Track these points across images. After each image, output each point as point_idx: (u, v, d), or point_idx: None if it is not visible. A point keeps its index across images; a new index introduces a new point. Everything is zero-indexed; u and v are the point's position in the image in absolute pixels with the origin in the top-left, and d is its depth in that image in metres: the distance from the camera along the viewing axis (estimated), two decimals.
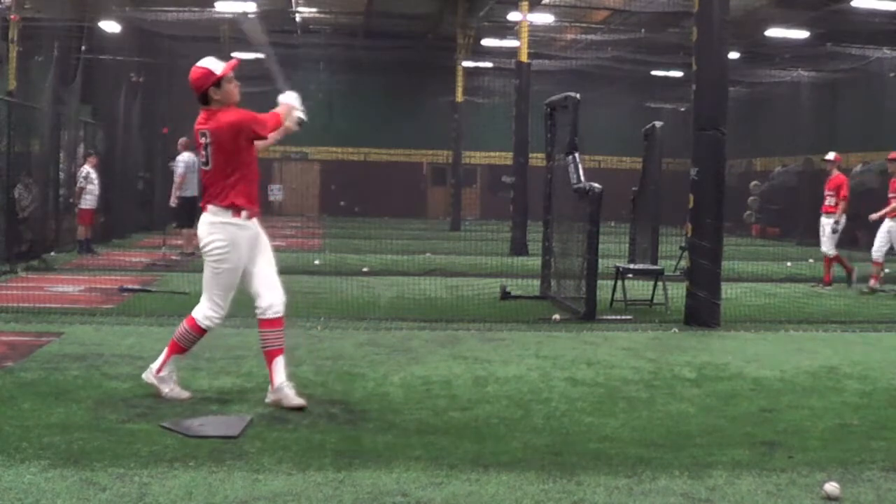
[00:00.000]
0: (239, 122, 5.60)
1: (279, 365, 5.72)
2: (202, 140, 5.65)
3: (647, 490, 4.35)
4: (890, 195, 13.31)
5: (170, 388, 5.81)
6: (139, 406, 5.58)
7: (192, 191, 15.94)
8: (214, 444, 4.84)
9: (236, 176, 5.62)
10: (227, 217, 5.62)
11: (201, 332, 5.82)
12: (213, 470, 4.42)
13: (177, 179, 15.99)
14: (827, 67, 25.93)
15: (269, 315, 5.74)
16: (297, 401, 5.66)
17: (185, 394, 5.85)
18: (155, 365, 5.87)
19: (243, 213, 5.64)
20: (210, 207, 5.68)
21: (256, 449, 4.78)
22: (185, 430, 5.05)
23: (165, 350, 5.88)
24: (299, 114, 5.91)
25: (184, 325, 5.84)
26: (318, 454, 4.73)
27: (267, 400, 5.74)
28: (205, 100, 5.64)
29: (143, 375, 5.92)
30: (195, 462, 4.52)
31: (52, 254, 15.44)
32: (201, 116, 5.70)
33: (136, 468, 4.40)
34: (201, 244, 5.75)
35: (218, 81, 5.61)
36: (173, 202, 16.08)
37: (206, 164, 5.67)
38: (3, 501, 3.93)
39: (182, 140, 16.31)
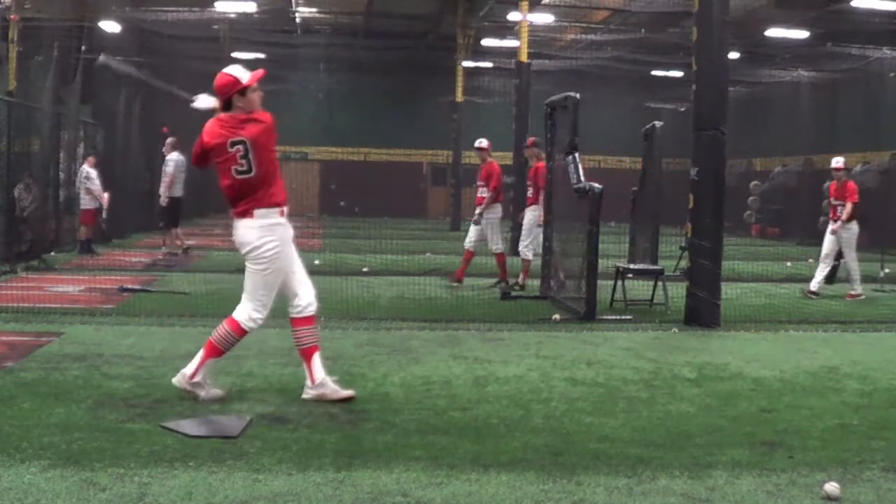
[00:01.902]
0: (272, 124, 5.77)
1: (317, 361, 5.86)
2: (236, 150, 5.63)
3: (647, 490, 4.35)
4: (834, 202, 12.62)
5: (206, 392, 5.75)
6: (139, 406, 5.58)
7: (180, 191, 16.14)
8: (214, 444, 4.84)
9: (276, 176, 5.82)
10: (276, 217, 5.78)
11: (243, 333, 5.83)
12: (213, 470, 4.42)
13: (167, 179, 16.10)
14: (827, 67, 25.95)
15: (306, 313, 5.87)
16: (344, 392, 5.83)
17: (221, 392, 5.83)
18: (188, 370, 5.76)
19: (284, 211, 5.85)
20: (256, 212, 5.72)
21: (256, 449, 4.78)
22: (185, 430, 5.05)
23: (200, 353, 5.78)
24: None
25: (224, 328, 5.78)
26: (318, 454, 4.73)
27: (306, 396, 5.84)
28: (227, 106, 5.72)
29: (175, 381, 5.77)
30: (195, 462, 4.52)
31: (52, 254, 15.43)
32: (225, 126, 5.68)
33: (136, 468, 4.40)
34: (251, 248, 5.72)
35: (243, 90, 5.70)
36: (164, 201, 16.18)
37: (249, 171, 5.66)
38: (3, 501, 3.93)
39: (171, 140, 16.46)
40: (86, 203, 16.53)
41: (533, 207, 12.60)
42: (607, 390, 6.49)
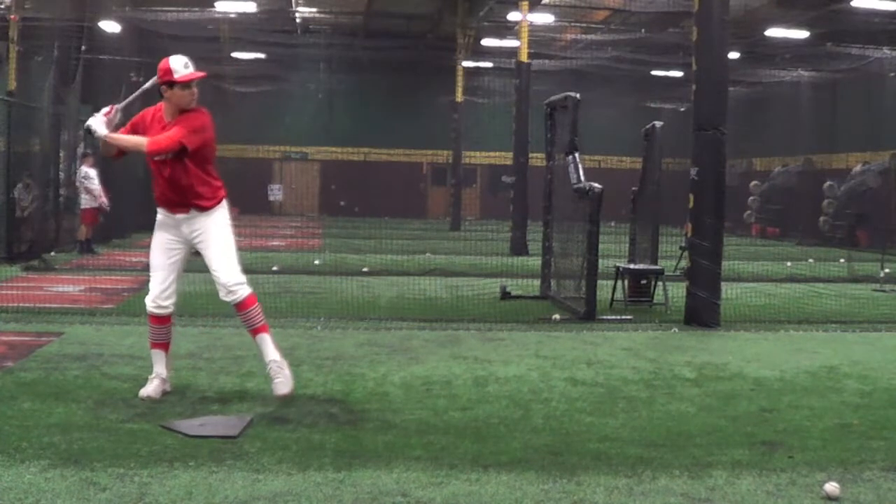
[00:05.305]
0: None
1: (260, 343, 5.88)
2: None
3: (647, 490, 4.35)
4: None
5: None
6: (139, 406, 5.58)
7: None
8: (214, 444, 4.84)
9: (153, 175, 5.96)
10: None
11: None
12: (213, 470, 4.42)
13: None
14: (827, 67, 25.93)
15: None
16: (280, 388, 5.80)
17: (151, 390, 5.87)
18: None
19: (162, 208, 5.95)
20: None
21: (256, 449, 4.78)
22: (185, 430, 5.05)
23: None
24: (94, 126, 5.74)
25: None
26: (318, 454, 4.72)
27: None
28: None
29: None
30: (195, 462, 4.52)
31: (52, 254, 15.43)
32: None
33: (136, 468, 4.40)
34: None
35: (171, 83, 5.69)
36: None
37: None
38: (3, 501, 3.93)
39: None
40: (85, 203, 16.54)
41: None
42: (607, 390, 6.49)
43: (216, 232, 5.84)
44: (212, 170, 5.87)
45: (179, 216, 5.81)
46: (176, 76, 5.68)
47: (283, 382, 5.80)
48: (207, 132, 5.79)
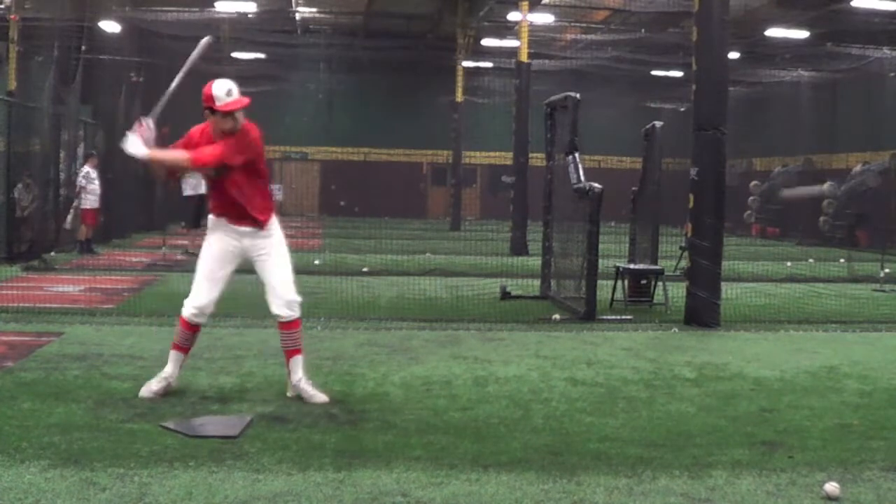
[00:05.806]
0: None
1: (294, 363, 5.88)
2: None
3: (647, 490, 4.35)
4: None
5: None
6: (139, 406, 5.58)
7: (200, 189, 15.99)
8: (214, 444, 4.84)
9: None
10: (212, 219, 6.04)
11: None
12: (213, 470, 4.42)
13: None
14: (827, 67, 25.94)
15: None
16: (319, 397, 5.83)
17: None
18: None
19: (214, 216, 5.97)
20: None
21: (256, 449, 4.78)
22: (185, 430, 5.05)
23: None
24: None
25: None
26: (318, 454, 4.73)
27: (288, 393, 5.93)
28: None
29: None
30: (195, 462, 4.52)
31: (52, 254, 15.43)
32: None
33: (136, 468, 4.40)
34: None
35: (212, 110, 5.58)
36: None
37: None
38: (3, 501, 3.93)
39: None
40: (86, 203, 16.54)
41: None
42: (607, 390, 6.49)
43: (280, 250, 5.92)
44: (263, 184, 5.84)
45: (243, 229, 5.78)
46: (217, 104, 5.53)
47: (318, 394, 5.85)
48: (252, 150, 5.70)
